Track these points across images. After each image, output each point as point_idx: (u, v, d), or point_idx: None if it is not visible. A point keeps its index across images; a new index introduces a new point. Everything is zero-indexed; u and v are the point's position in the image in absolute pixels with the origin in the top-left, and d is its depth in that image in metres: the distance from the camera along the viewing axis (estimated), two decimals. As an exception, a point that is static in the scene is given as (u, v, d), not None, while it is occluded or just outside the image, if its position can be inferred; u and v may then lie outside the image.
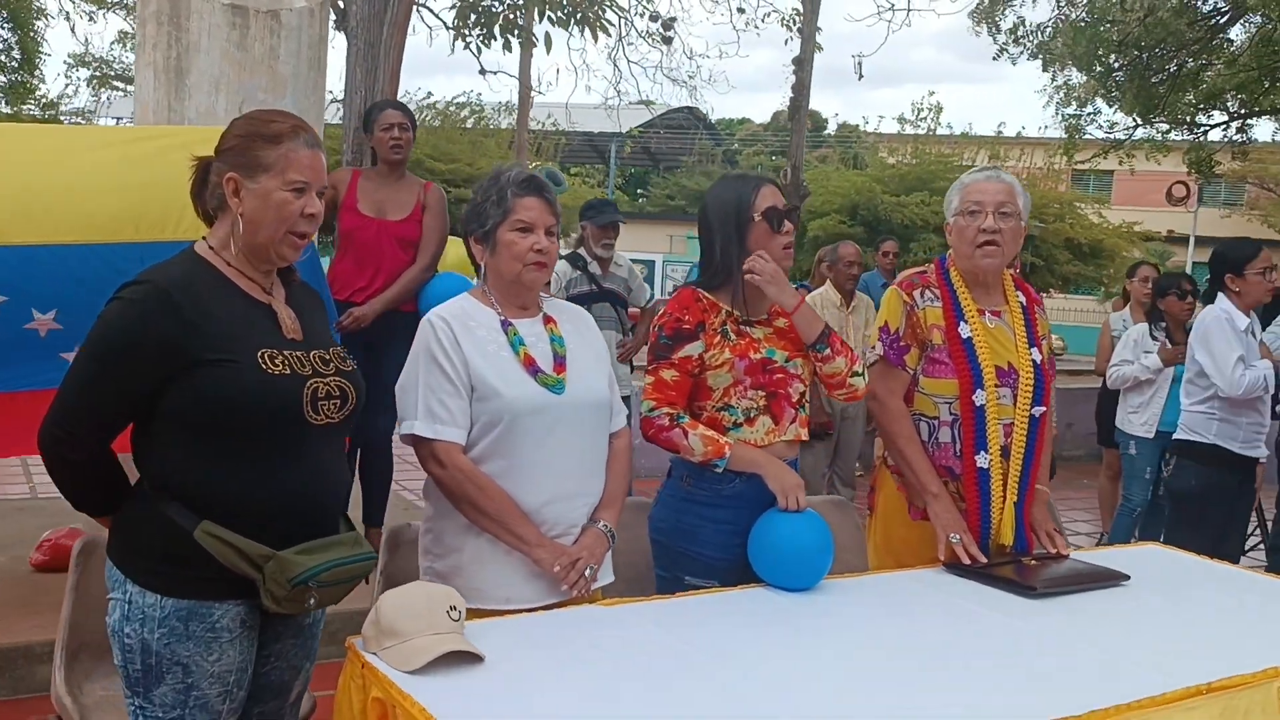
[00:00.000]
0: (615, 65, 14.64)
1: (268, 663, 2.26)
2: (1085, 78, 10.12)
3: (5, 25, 17.25)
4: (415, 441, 2.48)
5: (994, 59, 11.06)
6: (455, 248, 5.44)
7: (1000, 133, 23.77)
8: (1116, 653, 2.37)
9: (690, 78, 20.00)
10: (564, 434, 2.51)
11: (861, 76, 12.57)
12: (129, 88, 32.80)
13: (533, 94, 17.26)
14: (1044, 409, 3.06)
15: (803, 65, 12.77)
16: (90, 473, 2.13)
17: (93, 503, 2.19)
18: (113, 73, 30.95)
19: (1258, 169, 16.48)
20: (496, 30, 10.86)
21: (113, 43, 28.16)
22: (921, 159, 19.10)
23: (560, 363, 2.55)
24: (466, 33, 10.99)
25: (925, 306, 3.00)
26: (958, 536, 2.89)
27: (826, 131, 47.97)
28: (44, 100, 23.70)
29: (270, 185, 2.13)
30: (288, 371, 2.12)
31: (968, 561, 2.87)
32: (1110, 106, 10.22)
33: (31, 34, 17.47)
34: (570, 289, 5.47)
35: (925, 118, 22.96)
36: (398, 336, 3.86)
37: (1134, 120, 10.20)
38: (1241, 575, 3.27)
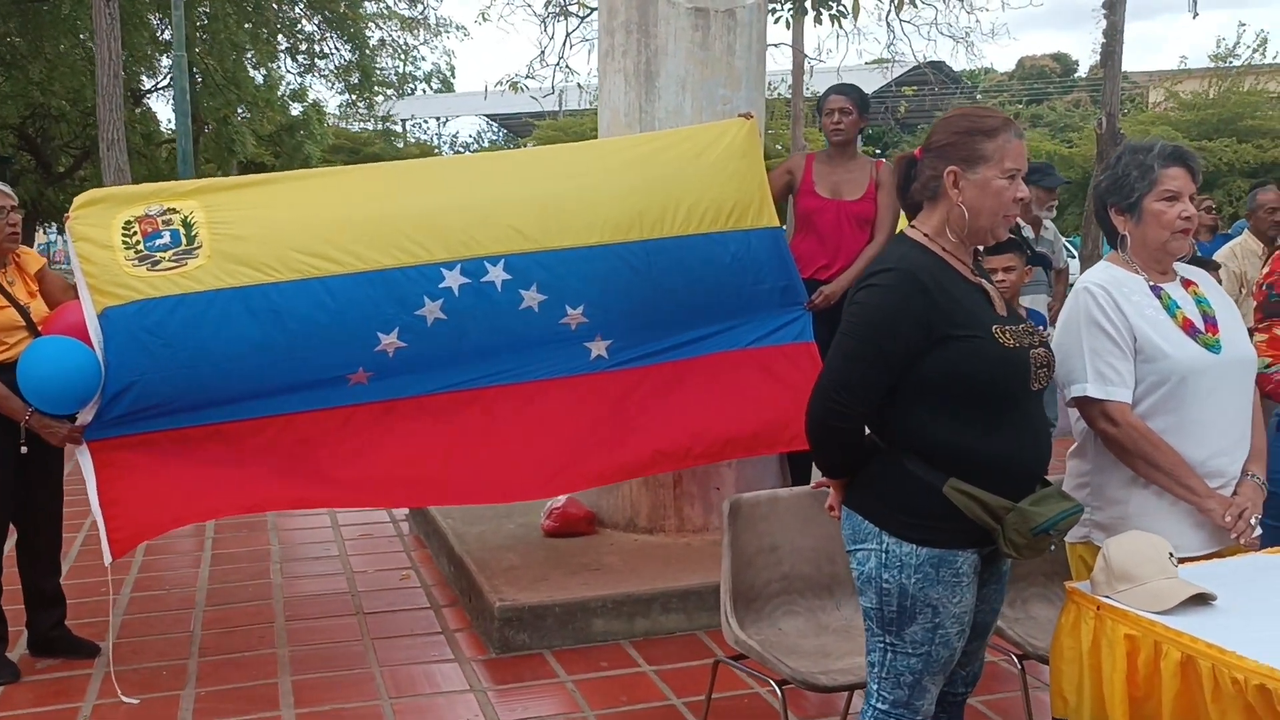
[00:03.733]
0: (889, 26, 14.52)
1: (978, 605, 2.50)
2: None
3: (346, 45, 18.77)
4: (1084, 403, 2.67)
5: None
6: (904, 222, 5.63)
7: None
8: None
9: (966, 34, 19.59)
10: (1224, 391, 2.65)
11: (1196, 14, 11.90)
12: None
13: (808, 61, 17.25)
14: None
15: (1115, 8, 12.32)
16: (851, 439, 2.41)
17: (844, 465, 2.47)
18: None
19: None
20: (808, 4, 11.01)
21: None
22: (1222, 99, 18.01)
23: (1211, 323, 2.68)
24: (778, 7, 11.20)
25: None
26: None
27: (1077, 75, 45.65)
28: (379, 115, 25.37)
29: (989, 174, 2.36)
30: (1016, 345, 2.35)
31: None
32: None
33: (367, 51, 18.91)
34: (1003, 253, 5.57)
35: (1239, 49, 21.24)
36: None
37: None
38: None
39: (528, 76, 14.68)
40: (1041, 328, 2.73)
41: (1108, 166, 2.77)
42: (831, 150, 5.01)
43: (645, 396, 4.43)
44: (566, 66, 16.36)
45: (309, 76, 20.81)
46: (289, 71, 20.86)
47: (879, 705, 2.48)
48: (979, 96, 42.87)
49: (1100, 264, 2.80)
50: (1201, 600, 2.27)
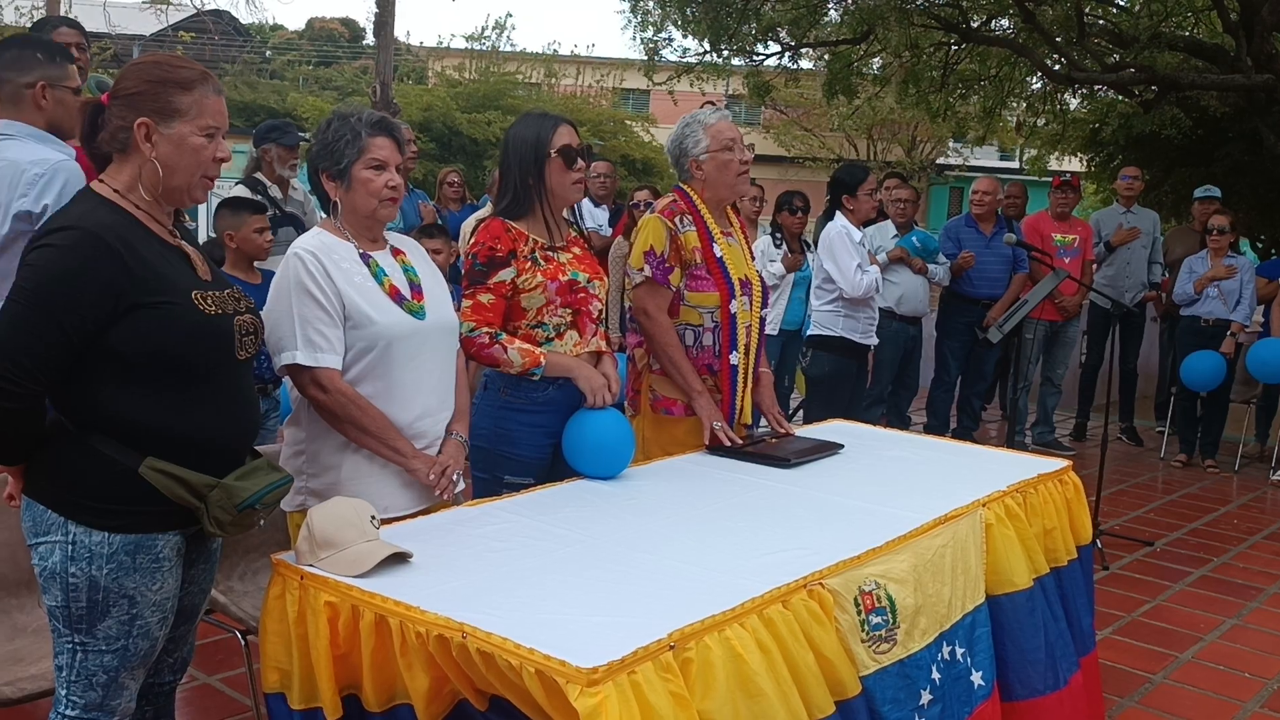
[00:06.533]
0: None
1: (183, 588, 2.35)
2: (661, 7, 11.08)
3: None
4: (294, 370, 2.62)
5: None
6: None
7: (556, 51, 24.63)
8: (868, 501, 3.05)
9: (249, -17, 18.99)
10: (428, 355, 2.76)
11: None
12: None
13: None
14: (768, 310, 3.71)
15: (387, -20, 12.68)
16: (25, 421, 2.10)
17: (16, 451, 2.16)
18: None
19: (799, 95, 18.70)
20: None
21: None
22: (485, 77, 19.58)
23: (417, 290, 2.78)
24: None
25: (685, 231, 3.51)
26: (720, 424, 3.46)
27: (365, 41, 46.84)
28: None
29: (185, 130, 2.19)
30: (218, 311, 2.22)
31: (728, 444, 3.45)
32: (684, 35, 11.28)
33: None
34: (252, 214, 5.38)
35: (490, 36, 23.33)
36: None
37: (704, 47, 11.33)
38: (904, 436, 4.15)
39: None
40: None
41: (319, 132, 2.75)
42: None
43: None
44: None
45: None
46: None
47: (68, 712, 2.23)
48: (269, 53, 42.17)
49: (313, 229, 2.78)
50: (401, 559, 2.35)
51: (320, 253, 2.65)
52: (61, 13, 15.73)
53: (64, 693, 2.23)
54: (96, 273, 2.06)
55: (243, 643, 3.08)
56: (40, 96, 3.20)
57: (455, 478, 2.79)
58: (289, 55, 43.42)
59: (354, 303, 2.64)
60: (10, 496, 2.29)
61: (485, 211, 6.73)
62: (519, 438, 3.14)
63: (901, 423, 6.69)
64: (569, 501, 2.91)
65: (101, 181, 2.23)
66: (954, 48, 11.67)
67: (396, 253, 2.84)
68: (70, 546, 2.14)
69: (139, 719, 2.38)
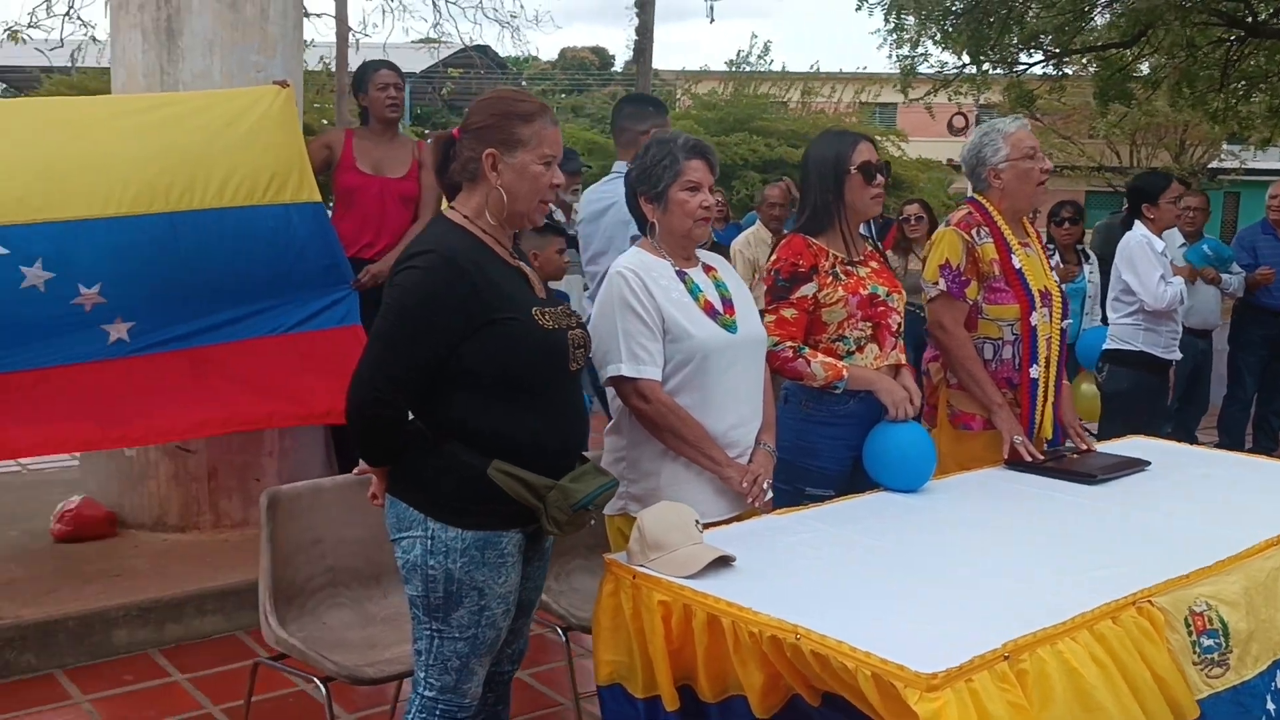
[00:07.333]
0: (435, 5, 14.55)
1: (522, 583, 2.53)
2: (917, 21, 10.95)
3: None
4: (618, 382, 2.78)
5: (855, 10, 11.80)
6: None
7: (817, 68, 24.57)
8: (1185, 519, 2.93)
9: (513, 17, 19.99)
10: (740, 367, 2.87)
11: (713, 20, 12.98)
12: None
13: (354, 35, 16.80)
14: (1069, 322, 3.62)
15: (645, 7, 13.04)
16: (396, 429, 2.34)
17: (388, 455, 2.40)
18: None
19: (1064, 104, 18.03)
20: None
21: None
22: (737, 99, 19.77)
23: (729, 305, 2.89)
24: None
25: (982, 243, 3.48)
26: (1021, 439, 3.41)
27: (614, 69, 48.18)
28: None
29: (527, 159, 2.38)
30: (555, 326, 2.40)
31: (1029, 459, 3.39)
32: (941, 49, 11.12)
33: None
34: (539, 237, 5.66)
35: (750, 57, 23.61)
36: None
37: (963, 60, 11.11)
38: (1213, 454, 3.95)
39: (31, 25, 13.03)
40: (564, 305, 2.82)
41: (637, 157, 2.91)
42: (376, 126, 4.89)
43: (174, 385, 4.09)
44: (78, 18, 14.77)
45: None
46: None
47: (426, 693, 2.45)
48: (524, 83, 44.01)
49: (632, 249, 2.94)
50: (724, 562, 2.44)
51: (641, 271, 2.80)
52: (350, 57, 16.99)
53: (423, 675, 2.45)
54: (452, 294, 2.27)
55: (563, 638, 3.27)
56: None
57: (765, 486, 2.87)
58: (543, 85, 45.17)
59: (672, 317, 2.77)
60: (374, 495, 2.53)
61: (754, 229, 6.89)
62: (821, 450, 3.20)
63: (1190, 441, 6.31)
64: (873, 513, 2.94)
65: (453, 209, 2.45)
66: (1235, 44, 10.96)
67: (708, 269, 2.96)
68: (429, 541, 2.35)
69: (484, 703, 2.58)
